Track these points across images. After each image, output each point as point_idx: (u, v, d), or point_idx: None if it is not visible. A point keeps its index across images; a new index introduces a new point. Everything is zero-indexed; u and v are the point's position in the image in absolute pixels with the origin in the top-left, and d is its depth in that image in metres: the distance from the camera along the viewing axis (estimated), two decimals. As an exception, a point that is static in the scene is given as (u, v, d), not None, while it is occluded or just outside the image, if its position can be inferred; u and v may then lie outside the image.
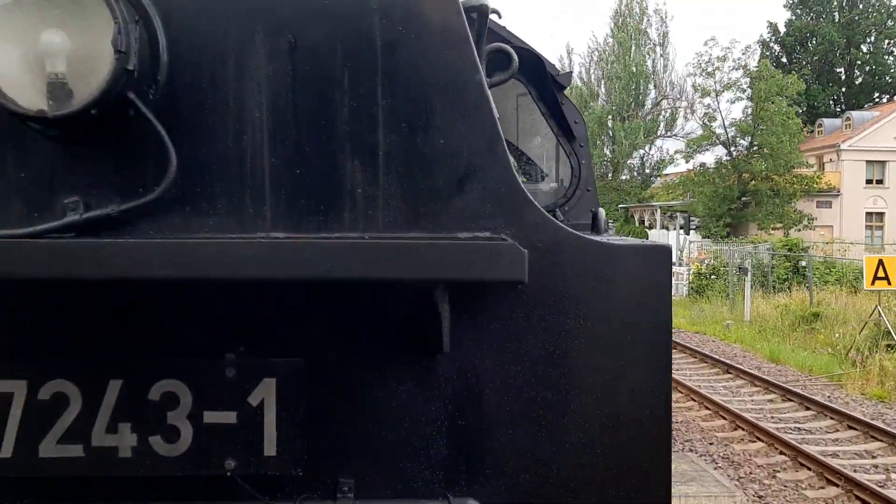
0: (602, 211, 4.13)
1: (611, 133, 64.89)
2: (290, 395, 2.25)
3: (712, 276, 32.59)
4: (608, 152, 64.83)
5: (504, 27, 4.69)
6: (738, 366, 18.38)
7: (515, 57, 2.87)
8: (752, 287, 26.64)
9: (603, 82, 67.35)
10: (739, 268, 27.82)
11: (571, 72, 5.13)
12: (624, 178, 66.39)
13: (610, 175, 65.47)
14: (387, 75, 2.27)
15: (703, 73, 50.25)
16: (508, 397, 2.34)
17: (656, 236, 41.28)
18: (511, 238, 2.25)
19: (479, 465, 2.36)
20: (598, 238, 2.46)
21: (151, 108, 2.19)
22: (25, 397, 2.23)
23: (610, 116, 65.07)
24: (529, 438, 2.35)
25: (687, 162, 54.46)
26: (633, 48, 65.19)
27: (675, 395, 14.79)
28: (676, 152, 58.94)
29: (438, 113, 2.29)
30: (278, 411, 2.24)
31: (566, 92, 5.28)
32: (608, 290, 2.34)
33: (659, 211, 54.78)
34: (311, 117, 2.27)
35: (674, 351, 18.81)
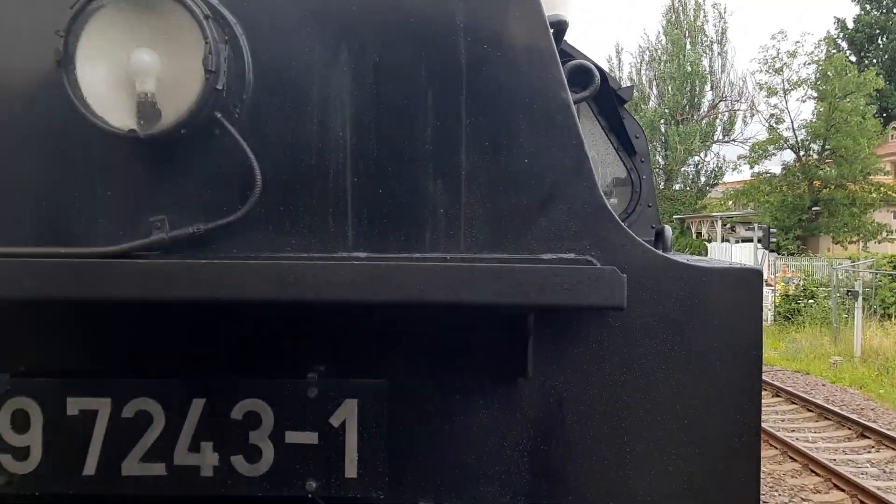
0: (668, 228, 4.05)
1: (664, 138, 59.08)
2: (372, 417, 2.22)
3: (808, 300, 27.36)
4: (660, 159, 58.96)
5: (567, 42, 4.64)
6: (875, 426, 13.40)
7: (597, 74, 2.83)
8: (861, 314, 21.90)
9: (655, 83, 61.72)
10: (849, 291, 22.98)
11: (633, 86, 5.06)
12: (677, 187, 60.32)
13: (662, 184, 59.25)
14: (471, 94, 2.24)
15: (770, 70, 45.51)
16: (592, 423, 2.29)
17: (717, 250, 37.85)
18: (597, 260, 2.20)
19: (561, 491, 2.30)
20: (685, 259, 2.40)
21: (237, 126, 2.19)
22: (109, 415, 2.23)
23: (662, 120, 59.52)
24: (613, 465, 2.29)
25: (752, 168, 49.31)
26: (688, 46, 59.72)
27: (802, 475, 11.11)
28: (739, 157, 54.08)
29: (523, 132, 2.25)
30: (360, 433, 2.21)
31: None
32: (696, 314, 2.27)
33: (719, 222, 48.77)
34: (394, 136, 2.25)
35: (779, 400, 16.28)
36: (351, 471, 2.22)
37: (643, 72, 62.83)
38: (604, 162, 5.34)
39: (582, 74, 2.88)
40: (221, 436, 2.22)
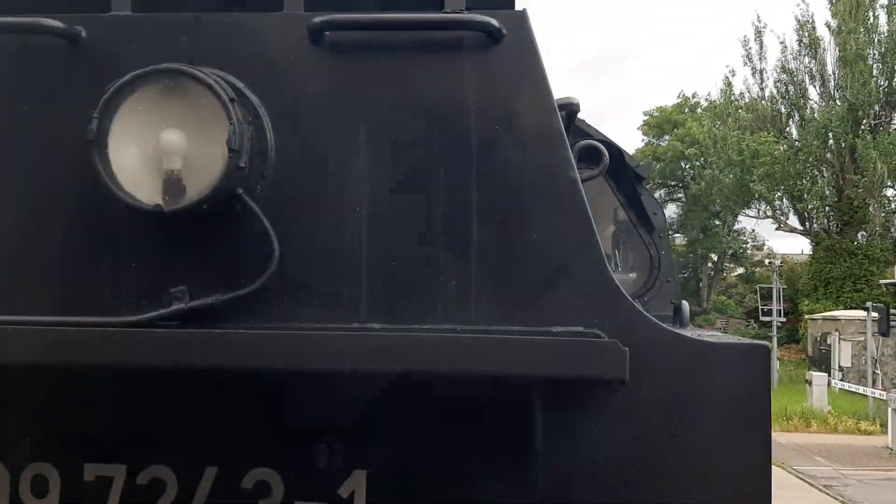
0: (686, 304, 4.07)
1: (843, 154, 39.74)
2: (380, 488, 2.24)
3: None
4: (830, 189, 39.74)
5: (584, 120, 4.78)
6: None
7: (606, 154, 2.91)
8: None
9: (820, 74, 42.29)
10: None
11: (651, 163, 5.16)
12: (863, 235, 40.06)
13: (838, 227, 39.36)
14: (482, 173, 2.33)
15: None
16: (600, 497, 2.28)
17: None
18: (604, 333, 2.23)
19: None
20: (693, 335, 2.42)
21: (258, 202, 2.29)
22: (124, 482, 2.27)
23: (839, 124, 39.16)
24: None
25: None
26: (883, 17, 39.01)
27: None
28: None
29: (532, 209, 2.32)
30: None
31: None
32: (704, 389, 2.28)
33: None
34: (408, 212, 2.34)
35: None
36: None
37: (801, 58, 43.34)
38: (624, 238, 5.40)
39: (594, 153, 2.97)
40: None
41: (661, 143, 60.53)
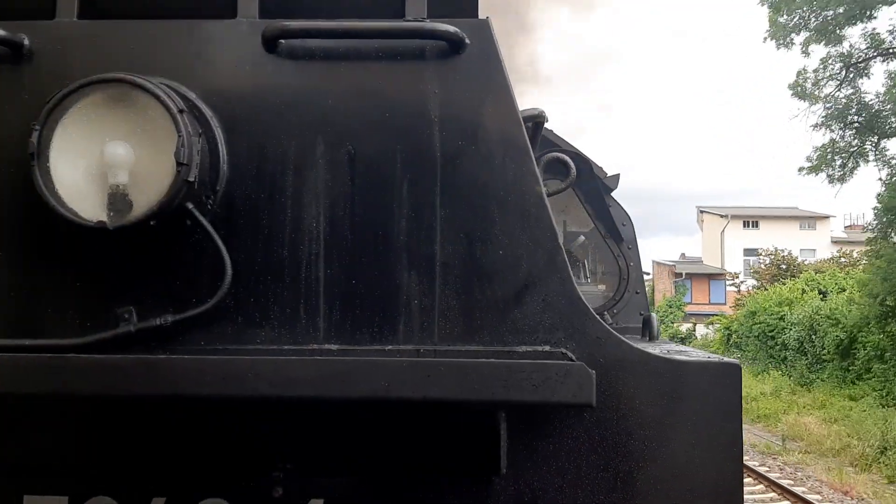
0: (654, 316, 4.02)
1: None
2: None
3: None
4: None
5: (552, 131, 4.72)
6: None
7: (573, 167, 2.85)
8: None
9: None
10: None
11: (618, 174, 5.13)
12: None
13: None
14: (446, 186, 2.25)
15: None
16: None
17: None
18: (572, 353, 2.16)
19: None
20: (660, 350, 2.35)
21: (209, 217, 2.18)
22: None
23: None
24: None
25: None
26: None
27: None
28: None
29: (498, 224, 2.24)
30: None
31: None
32: (674, 408, 2.21)
33: None
34: (369, 228, 2.25)
35: None
36: None
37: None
38: (593, 249, 5.36)
39: (561, 165, 2.90)
40: None
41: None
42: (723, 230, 70.73)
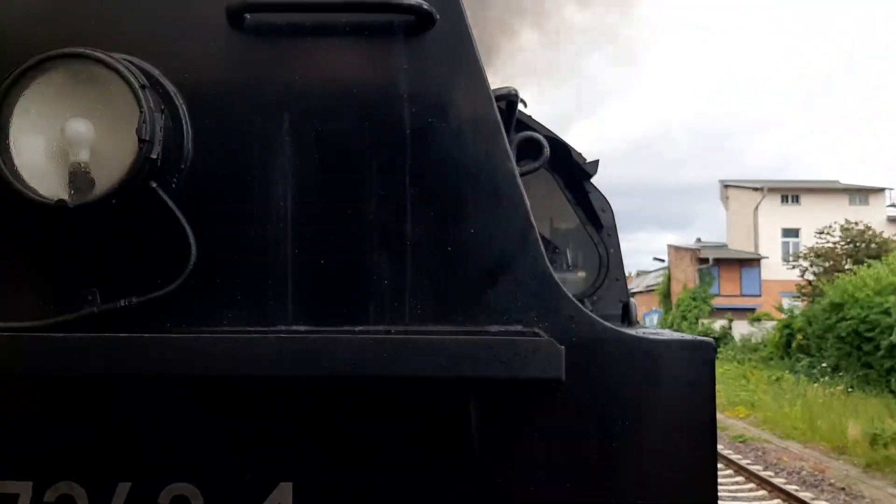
0: (634, 302, 4.01)
1: None
2: (307, 500, 2.10)
3: None
4: None
5: (530, 116, 4.69)
6: None
7: (546, 146, 2.82)
8: None
9: None
10: None
11: (598, 160, 5.11)
12: None
13: None
14: (415, 165, 2.21)
15: None
16: (539, 500, 2.17)
17: None
18: (545, 332, 2.13)
19: None
20: (635, 332, 2.33)
21: (174, 197, 2.13)
22: (31, 499, 2.10)
23: None
24: None
25: None
26: None
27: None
28: None
29: (469, 203, 2.21)
30: None
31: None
32: (648, 387, 2.19)
33: None
34: (337, 207, 2.21)
35: None
36: None
37: None
38: (572, 236, 5.33)
39: (535, 146, 2.87)
40: None
41: None
42: (756, 207, 58.22)
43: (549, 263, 2.23)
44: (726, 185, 62.56)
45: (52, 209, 2.04)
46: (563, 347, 1.97)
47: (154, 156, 2.04)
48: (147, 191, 2.09)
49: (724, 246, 60.60)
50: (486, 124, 2.23)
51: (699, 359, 2.21)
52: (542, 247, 2.24)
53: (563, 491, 2.15)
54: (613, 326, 2.23)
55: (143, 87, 2.04)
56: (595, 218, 5.05)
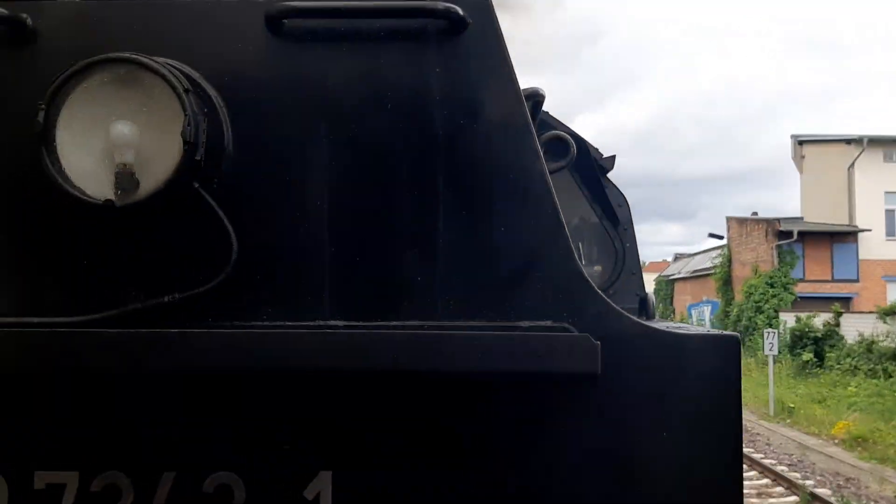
0: (651, 296, 4.06)
1: None
2: (347, 489, 2.17)
3: None
4: None
5: (548, 112, 4.74)
6: None
7: (573, 145, 2.88)
8: None
9: None
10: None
11: (615, 156, 5.15)
12: None
13: None
14: (448, 165, 2.27)
15: None
16: (572, 496, 2.24)
17: None
18: (574, 327, 2.19)
19: None
20: (664, 327, 2.39)
21: (215, 196, 2.20)
22: (77, 489, 2.18)
23: None
24: None
25: None
26: None
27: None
28: None
29: (500, 202, 2.27)
30: None
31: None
32: (675, 381, 2.25)
33: None
34: (372, 207, 2.27)
35: None
36: None
37: None
38: (589, 231, 5.38)
39: (559, 144, 2.93)
40: None
41: None
42: (852, 164, 41.27)
43: (579, 260, 2.29)
44: (801, 142, 45.07)
45: (100, 208, 2.11)
46: (598, 343, 2.03)
47: (198, 157, 2.11)
48: (190, 191, 2.16)
49: (799, 219, 44.15)
50: (517, 125, 2.29)
51: (725, 353, 2.27)
52: (571, 244, 2.30)
53: (595, 483, 2.22)
54: (642, 322, 2.29)
55: (186, 90, 2.11)
56: (612, 213, 5.11)
